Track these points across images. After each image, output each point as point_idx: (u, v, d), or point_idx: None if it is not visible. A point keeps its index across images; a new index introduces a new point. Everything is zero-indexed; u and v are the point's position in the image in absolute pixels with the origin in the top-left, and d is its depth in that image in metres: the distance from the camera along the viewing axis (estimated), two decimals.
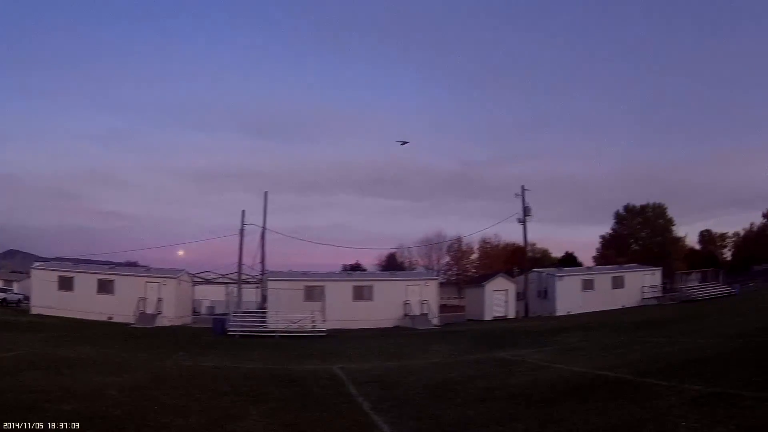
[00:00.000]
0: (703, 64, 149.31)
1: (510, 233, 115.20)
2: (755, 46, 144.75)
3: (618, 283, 49.99)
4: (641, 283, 50.31)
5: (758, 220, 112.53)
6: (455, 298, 72.58)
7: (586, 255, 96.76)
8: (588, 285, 48.92)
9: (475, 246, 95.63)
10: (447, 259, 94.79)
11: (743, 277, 75.94)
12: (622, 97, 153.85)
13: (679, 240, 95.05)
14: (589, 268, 65.99)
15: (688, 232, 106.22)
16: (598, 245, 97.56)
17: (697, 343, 16.70)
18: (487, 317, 45.92)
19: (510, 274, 54.69)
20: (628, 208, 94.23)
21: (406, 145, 74.59)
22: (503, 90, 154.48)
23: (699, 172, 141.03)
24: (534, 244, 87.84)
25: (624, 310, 42.09)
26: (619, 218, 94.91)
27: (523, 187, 53.23)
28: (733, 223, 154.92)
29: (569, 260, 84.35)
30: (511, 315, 47.64)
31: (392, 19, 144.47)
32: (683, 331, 21.07)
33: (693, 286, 50.84)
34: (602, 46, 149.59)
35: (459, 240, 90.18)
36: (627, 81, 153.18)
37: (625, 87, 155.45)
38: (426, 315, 39.44)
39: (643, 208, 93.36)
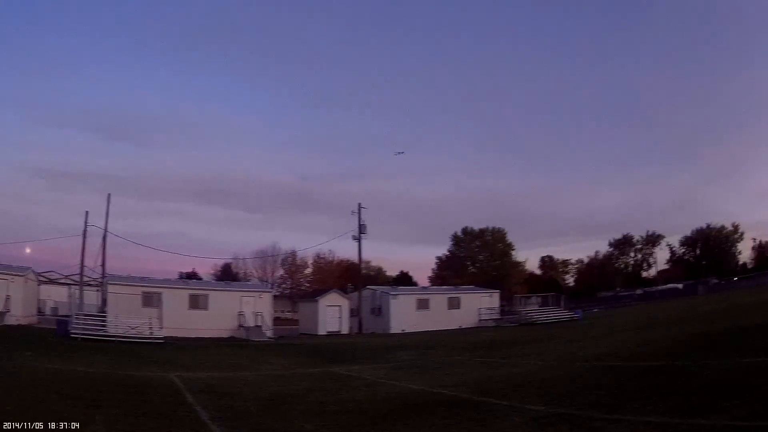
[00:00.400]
0: (550, 95, 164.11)
1: (345, 250, 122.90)
2: (603, 80, 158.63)
3: (454, 303, 55.20)
4: (478, 305, 55.51)
5: (604, 249, 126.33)
6: (289, 311, 77.21)
7: (422, 275, 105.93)
8: (423, 304, 53.81)
9: (310, 261, 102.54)
10: (281, 272, 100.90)
11: (588, 303, 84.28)
12: (468, 122, 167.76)
13: (518, 264, 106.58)
14: (424, 287, 72.16)
15: (528, 257, 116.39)
16: (434, 266, 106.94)
17: (537, 365, 18.06)
18: (321, 332, 49.11)
19: (344, 290, 58.08)
20: (467, 231, 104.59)
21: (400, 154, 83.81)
22: (347, 107, 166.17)
23: (543, 199, 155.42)
24: (369, 262, 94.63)
25: (461, 331, 45.81)
26: (456, 240, 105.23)
27: (359, 204, 57.02)
28: (578, 251, 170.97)
29: (404, 279, 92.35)
30: (345, 331, 50.88)
31: (240, 33, 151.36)
32: (523, 353, 22.82)
33: (533, 309, 55.46)
34: (448, 68, 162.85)
35: (294, 254, 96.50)
36: (473, 106, 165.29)
37: (471, 112, 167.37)
38: (260, 327, 42.16)
39: (482, 231, 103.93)
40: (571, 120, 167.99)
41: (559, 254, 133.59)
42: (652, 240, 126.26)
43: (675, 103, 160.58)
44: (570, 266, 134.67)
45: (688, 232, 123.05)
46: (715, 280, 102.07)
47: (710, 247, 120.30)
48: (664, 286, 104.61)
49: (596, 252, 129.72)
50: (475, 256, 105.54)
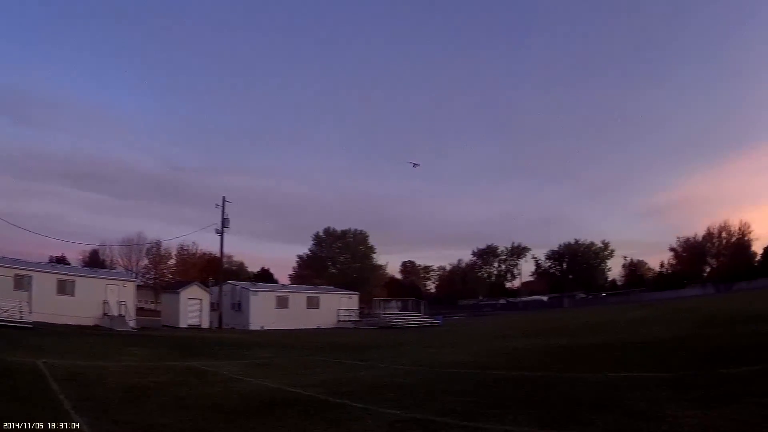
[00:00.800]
0: (425, 103, 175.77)
1: (209, 243, 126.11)
2: (480, 92, 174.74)
3: (313, 303, 57.48)
4: (338, 306, 58.13)
5: (467, 257, 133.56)
6: (152, 302, 78.70)
7: (283, 273, 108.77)
8: (282, 302, 55.85)
9: (174, 252, 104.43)
10: (146, 261, 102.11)
11: (449, 310, 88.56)
12: (339, 124, 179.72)
13: (379, 267, 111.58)
14: (284, 285, 73.59)
15: (390, 261, 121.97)
16: (295, 264, 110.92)
17: (395, 369, 18.37)
18: (182, 325, 49.85)
19: (205, 284, 58.50)
20: (329, 232, 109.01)
21: (417, 167, 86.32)
22: (220, 101, 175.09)
23: (408, 205, 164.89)
24: (231, 257, 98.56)
25: (319, 331, 47.89)
26: (318, 240, 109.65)
27: (224, 198, 57.50)
28: (441, 258, 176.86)
29: (265, 276, 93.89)
30: (205, 325, 51.68)
31: (115, 17, 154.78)
32: (381, 357, 23.30)
33: (393, 313, 58.86)
34: (320, 67, 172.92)
35: (158, 244, 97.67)
36: (346, 109, 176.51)
37: (343, 115, 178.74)
38: (123, 317, 42.82)
39: (344, 233, 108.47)
40: (444, 129, 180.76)
41: (422, 260, 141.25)
42: (518, 252, 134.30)
43: (550, 121, 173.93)
44: (432, 273, 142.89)
45: (556, 247, 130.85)
46: (582, 295, 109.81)
47: (578, 262, 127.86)
48: (529, 298, 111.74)
49: (459, 260, 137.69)
50: (336, 257, 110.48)
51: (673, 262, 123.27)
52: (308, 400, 12.25)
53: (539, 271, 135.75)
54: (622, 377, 12.93)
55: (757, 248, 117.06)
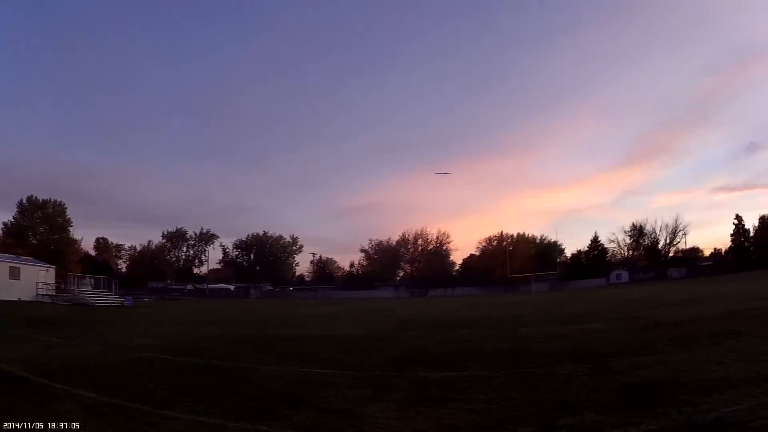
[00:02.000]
0: (126, 77, 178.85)
1: None
2: (184, 76, 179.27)
3: (15, 274, 56.81)
4: (37, 279, 57.86)
5: (157, 239, 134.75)
6: None
7: None
8: None
9: None
10: None
11: (139, 291, 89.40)
12: (44, 89, 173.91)
13: (75, 242, 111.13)
14: None
15: (84, 236, 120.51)
16: (0, 232, 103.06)
17: (92, 349, 18.12)
18: None
19: None
20: (32, 200, 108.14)
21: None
22: None
23: (106, 180, 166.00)
24: None
25: (20, 303, 47.68)
26: (22, 208, 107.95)
27: None
28: (132, 237, 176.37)
29: None
30: None
31: None
32: (79, 335, 22.90)
33: (86, 290, 59.42)
34: (25, 29, 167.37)
35: None
36: (53, 75, 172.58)
37: (51, 81, 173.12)
38: None
39: (45, 202, 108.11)
40: (145, 105, 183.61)
41: (115, 238, 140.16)
42: (206, 238, 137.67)
43: (251, 110, 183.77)
44: (123, 252, 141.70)
45: (245, 236, 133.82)
46: (270, 287, 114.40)
47: (266, 254, 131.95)
48: (216, 285, 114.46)
49: (149, 241, 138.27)
50: (36, 228, 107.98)
51: (365, 263, 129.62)
52: (9, 377, 12.30)
53: (226, 260, 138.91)
54: (317, 373, 12.63)
55: (457, 258, 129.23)
